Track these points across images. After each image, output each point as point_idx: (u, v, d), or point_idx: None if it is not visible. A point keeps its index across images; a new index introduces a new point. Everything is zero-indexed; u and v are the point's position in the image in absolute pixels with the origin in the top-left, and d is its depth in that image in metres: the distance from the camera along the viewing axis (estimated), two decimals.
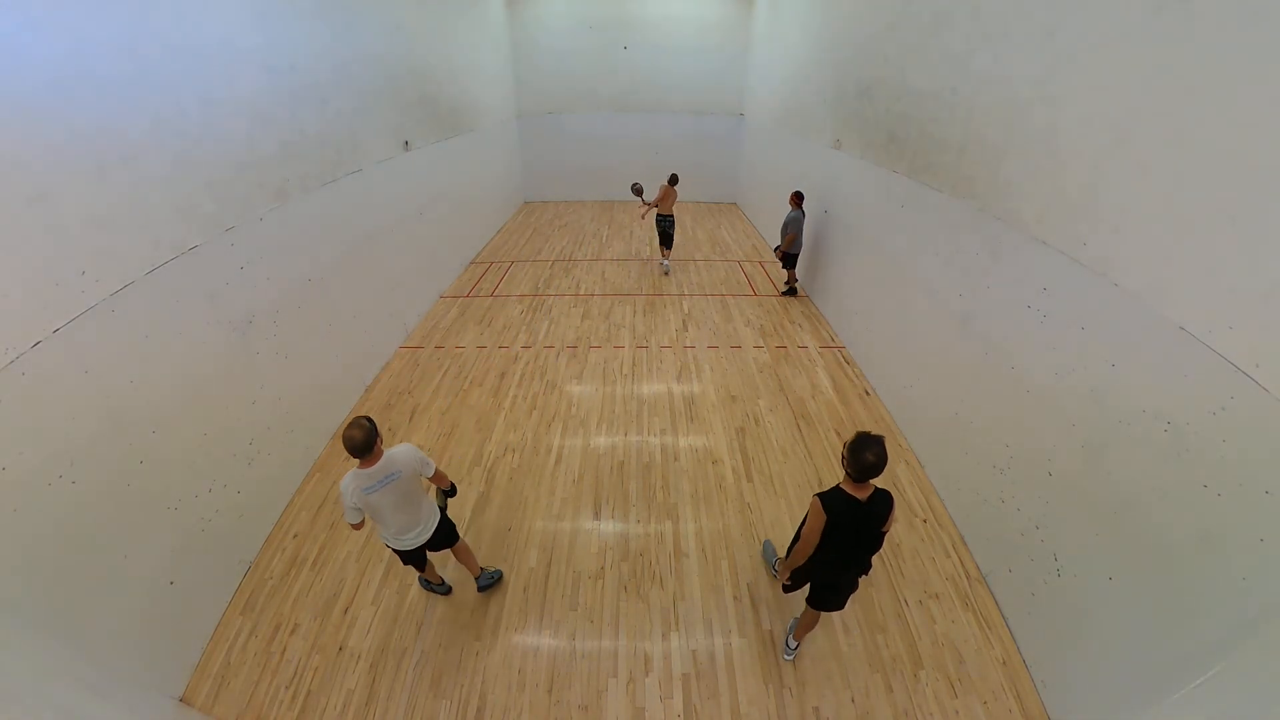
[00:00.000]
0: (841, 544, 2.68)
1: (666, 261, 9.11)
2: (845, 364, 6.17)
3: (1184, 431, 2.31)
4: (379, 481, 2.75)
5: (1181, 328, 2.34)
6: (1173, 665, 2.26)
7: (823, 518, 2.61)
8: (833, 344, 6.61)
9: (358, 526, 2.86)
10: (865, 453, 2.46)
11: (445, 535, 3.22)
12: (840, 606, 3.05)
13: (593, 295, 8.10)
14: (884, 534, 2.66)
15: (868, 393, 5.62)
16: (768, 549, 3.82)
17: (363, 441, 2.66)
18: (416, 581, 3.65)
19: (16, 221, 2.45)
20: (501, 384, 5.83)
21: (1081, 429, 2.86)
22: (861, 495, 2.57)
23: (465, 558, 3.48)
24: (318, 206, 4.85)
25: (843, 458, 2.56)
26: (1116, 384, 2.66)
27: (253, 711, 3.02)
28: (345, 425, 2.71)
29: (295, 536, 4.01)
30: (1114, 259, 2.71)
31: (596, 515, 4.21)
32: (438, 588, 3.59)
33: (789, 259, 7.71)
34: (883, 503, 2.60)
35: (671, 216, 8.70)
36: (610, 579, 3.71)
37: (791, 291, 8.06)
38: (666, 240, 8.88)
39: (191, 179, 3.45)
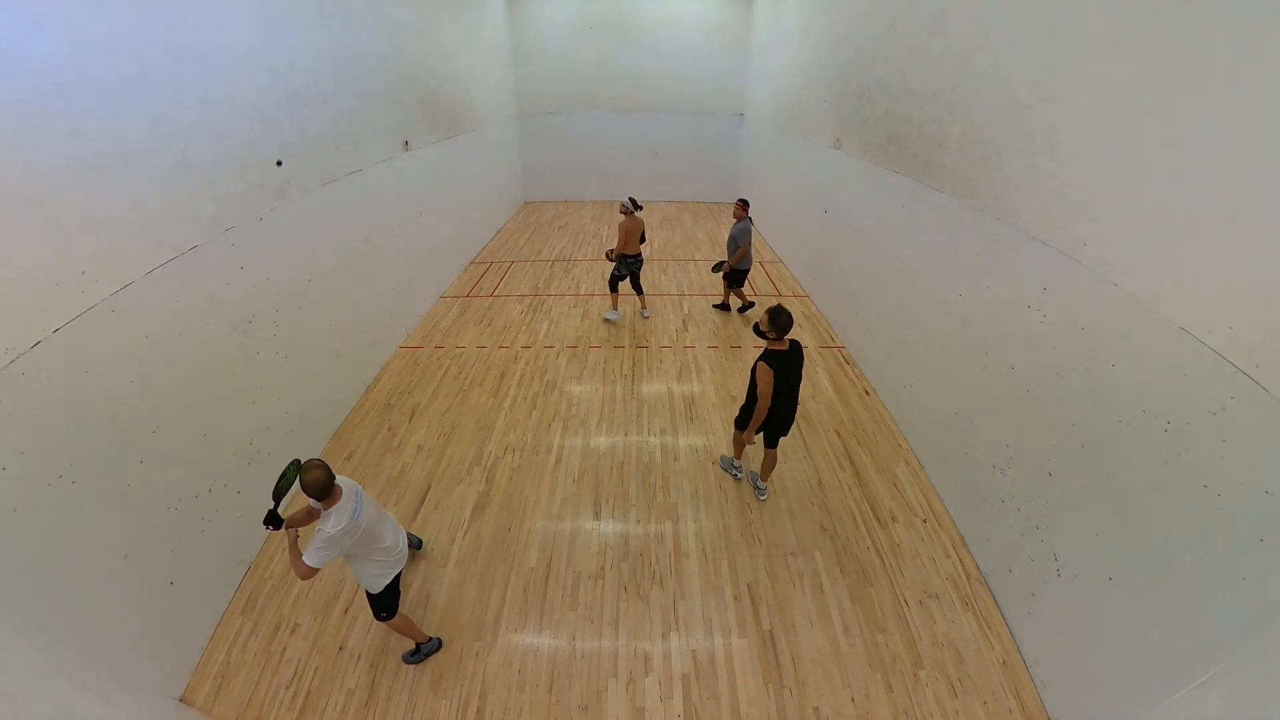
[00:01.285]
0: (784, 387, 3.70)
1: (644, 310, 7.39)
2: (845, 364, 6.17)
3: (1184, 431, 2.30)
4: (356, 504, 2.68)
5: (1181, 328, 2.33)
6: (1173, 665, 2.26)
7: (772, 373, 3.58)
8: (833, 344, 6.61)
9: (315, 572, 2.57)
10: (783, 317, 3.53)
11: None
12: (786, 433, 4.10)
13: (593, 295, 8.09)
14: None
15: (868, 393, 5.62)
16: (724, 460, 4.65)
17: (326, 479, 2.53)
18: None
19: (16, 221, 2.45)
20: (501, 384, 5.83)
21: (1081, 429, 2.86)
22: (784, 347, 3.66)
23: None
24: (318, 206, 4.86)
25: (763, 328, 3.58)
26: (1116, 384, 2.66)
27: (253, 711, 3.02)
28: (305, 469, 2.52)
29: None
30: (1114, 259, 2.71)
31: (596, 515, 4.21)
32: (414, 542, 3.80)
33: (736, 276, 6.93)
34: (798, 347, 3.76)
35: (640, 256, 6.93)
36: (610, 579, 3.71)
37: (740, 309, 7.37)
38: (636, 283, 7.13)
39: (191, 179, 3.45)
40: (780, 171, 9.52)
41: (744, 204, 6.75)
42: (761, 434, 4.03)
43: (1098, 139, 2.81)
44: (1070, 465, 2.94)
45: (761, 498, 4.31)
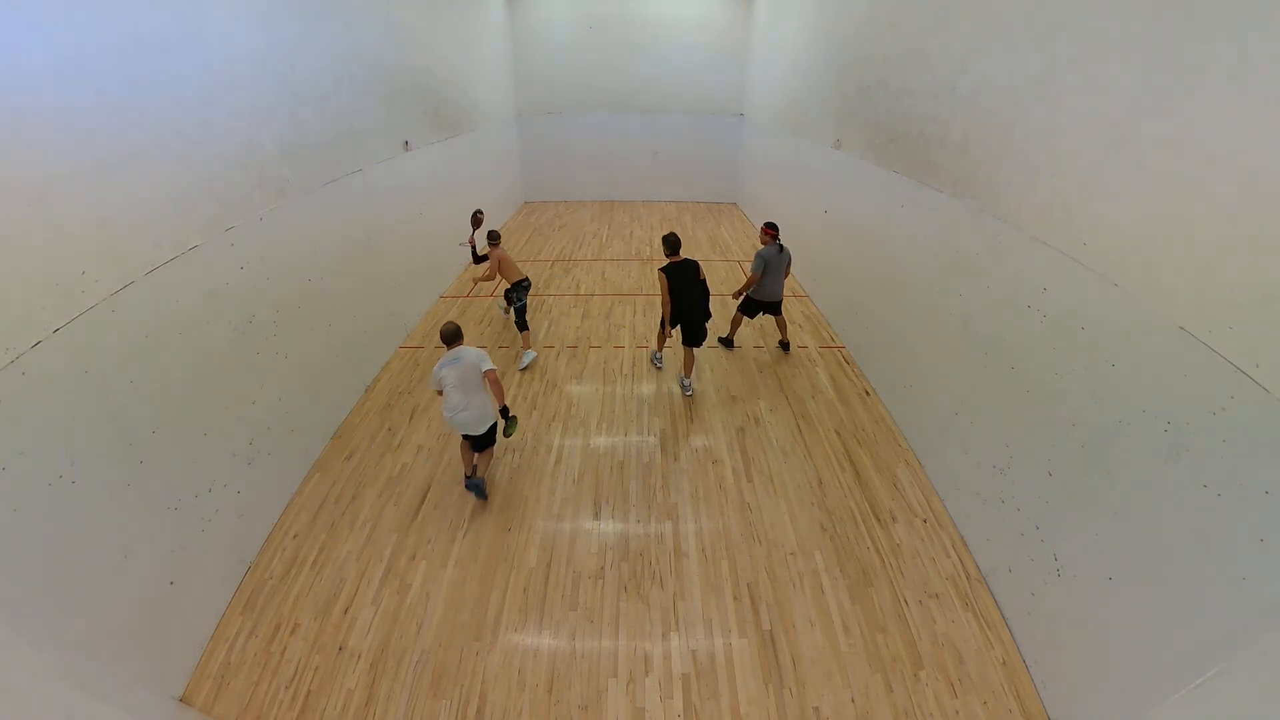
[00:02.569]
0: (687, 292, 5.06)
1: (529, 352, 6.13)
2: (845, 364, 6.17)
3: (1184, 431, 2.31)
4: (447, 362, 3.94)
5: (1181, 328, 2.34)
6: (1173, 665, 2.26)
7: (666, 279, 4.99)
8: (833, 344, 6.61)
9: (439, 393, 4.01)
10: (670, 237, 5.13)
11: (485, 440, 4.22)
12: (701, 341, 5.37)
13: (593, 295, 8.09)
14: (704, 281, 5.11)
15: (868, 393, 5.62)
16: (655, 357, 6.06)
17: (449, 334, 4.07)
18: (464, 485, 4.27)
19: (16, 221, 2.45)
20: (501, 384, 5.82)
21: (1081, 429, 2.86)
22: (677, 259, 5.06)
23: (482, 460, 4.27)
24: (318, 206, 4.85)
25: (664, 251, 5.19)
26: (1116, 384, 2.66)
27: (253, 711, 3.02)
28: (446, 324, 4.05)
29: (295, 536, 4.01)
30: (1114, 259, 2.71)
31: (596, 515, 4.21)
32: (474, 482, 4.18)
33: (747, 304, 6.02)
34: (692, 262, 5.07)
35: (525, 281, 6.06)
36: (610, 579, 3.71)
37: (784, 346, 6.41)
38: (520, 317, 6.13)
39: (191, 179, 3.45)
40: (780, 172, 9.52)
41: (766, 229, 5.77)
42: (680, 334, 5.30)
43: (1098, 139, 2.81)
44: (1070, 465, 2.94)
45: (687, 393, 5.43)
